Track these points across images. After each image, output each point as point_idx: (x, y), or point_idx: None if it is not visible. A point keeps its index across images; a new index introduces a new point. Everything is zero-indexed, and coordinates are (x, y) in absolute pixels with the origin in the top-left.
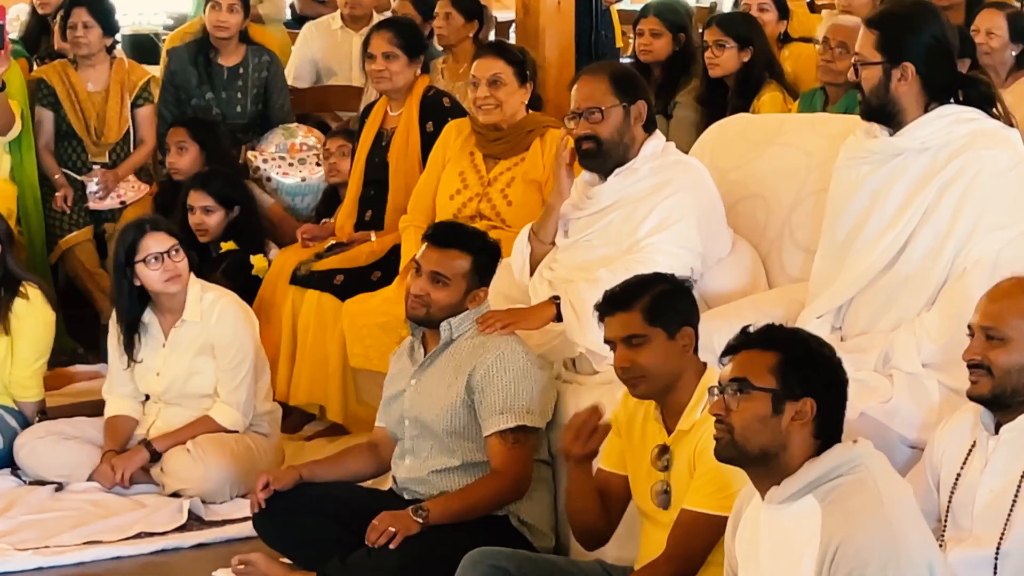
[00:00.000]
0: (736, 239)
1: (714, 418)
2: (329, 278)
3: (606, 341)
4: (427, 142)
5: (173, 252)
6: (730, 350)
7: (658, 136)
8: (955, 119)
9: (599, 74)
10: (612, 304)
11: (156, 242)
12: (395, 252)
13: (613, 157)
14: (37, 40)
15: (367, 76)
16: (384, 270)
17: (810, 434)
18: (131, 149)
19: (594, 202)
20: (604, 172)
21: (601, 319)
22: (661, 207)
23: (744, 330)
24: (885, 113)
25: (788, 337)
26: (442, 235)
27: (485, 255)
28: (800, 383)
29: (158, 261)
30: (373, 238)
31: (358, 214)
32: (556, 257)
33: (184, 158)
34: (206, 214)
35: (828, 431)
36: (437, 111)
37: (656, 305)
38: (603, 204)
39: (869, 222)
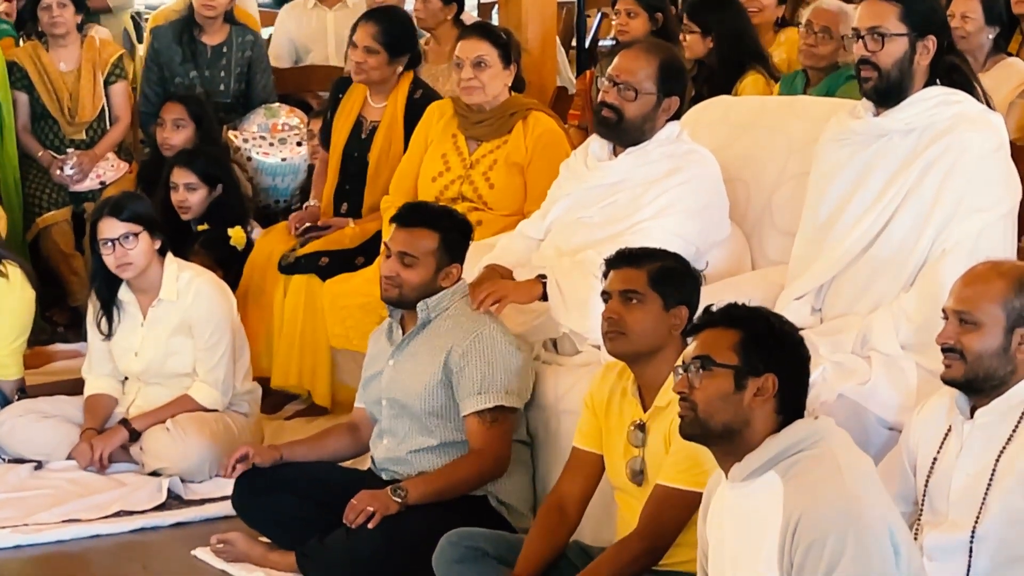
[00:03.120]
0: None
1: (678, 396)
2: (314, 260)
3: (603, 293)
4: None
5: (125, 240)
6: (694, 329)
7: (674, 121)
8: (940, 101)
9: (652, 55)
10: (623, 259)
11: (108, 228)
12: (379, 238)
13: (629, 135)
14: (31, 18)
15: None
16: (367, 255)
17: (773, 410)
18: (107, 126)
19: (602, 175)
20: (614, 144)
21: (607, 272)
22: (667, 195)
23: (707, 309)
24: (900, 88)
25: (750, 315)
26: (408, 215)
27: (454, 232)
28: (762, 359)
29: (109, 247)
30: (351, 223)
31: (334, 206)
32: (549, 235)
33: (180, 135)
34: (189, 191)
35: (791, 407)
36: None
37: (664, 273)
38: (611, 180)
39: (851, 203)
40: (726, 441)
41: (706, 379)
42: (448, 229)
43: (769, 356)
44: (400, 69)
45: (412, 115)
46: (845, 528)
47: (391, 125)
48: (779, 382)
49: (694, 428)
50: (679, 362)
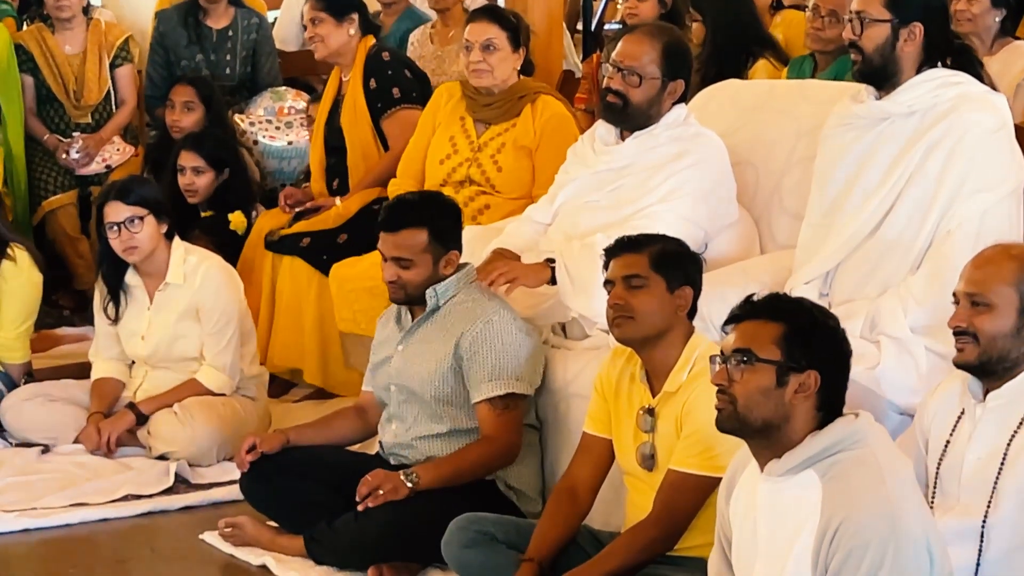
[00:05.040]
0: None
1: (716, 388)
2: (296, 241)
3: (606, 282)
4: (372, 100)
5: (131, 223)
6: (733, 319)
7: (680, 104)
8: (942, 82)
9: (655, 39)
10: (623, 246)
11: (113, 212)
12: (362, 214)
13: (635, 120)
14: (36, 1)
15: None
16: (351, 233)
17: (813, 407)
18: (113, 110)
19: (609, 159)
20: (621, 128)
21: (607, 261)
22: (675, 178)
23: (748, 299)
24: (884, 73)
25: (793, 307)
26: (391, 218)
27: (441, 220)
28: (805, 355)
29: (115, 231)
30: (338, 202)
31: (326, 183)
32: (556, 220)
33: (190, 117)
34: (196, 175)
35: (831, 403)
36: (377, 66)
37: (664, 256)
38: (618, 164)
39: (856, 188)
40: (764, 436)
41: (747, 373)
42: (434, 219)
43: (812, 352)
44: (353, 32)
45: (370, 70)
46: (886, 538)
47: (353, 87)
48: (821, 378)
49: (732, 422)
50: (717, 353)
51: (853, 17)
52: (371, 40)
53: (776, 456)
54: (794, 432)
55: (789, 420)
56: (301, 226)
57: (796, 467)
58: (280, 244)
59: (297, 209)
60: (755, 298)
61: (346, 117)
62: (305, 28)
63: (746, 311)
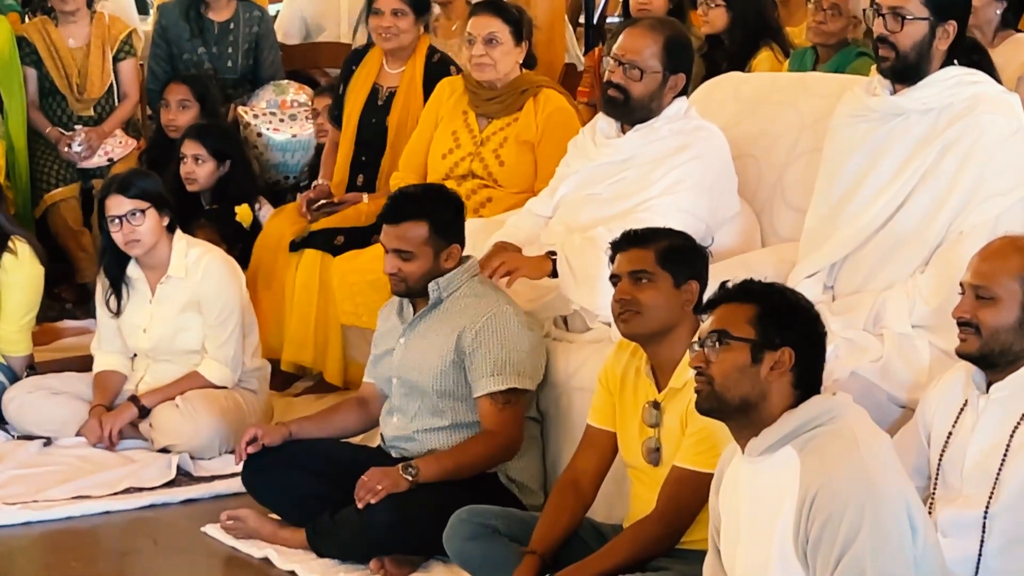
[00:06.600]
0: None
1: (694, 371)
2: (329, 238)
3: (612, 276)
4: None
5: (132, 216)
6: (709, 305)
7: (681, 97)
8: (958, 81)
9: (656, 33)
10: (629, 240)
11: (115, 205)
12: None
13: (636, 114)
14: None
15: (369, 31)
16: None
17: (789, 384)
18: (115, 103)
19: (610, 152)
20: (622, 122)
21: (613, 255)
22: (676, 171)
23: (723, 285)
24: (917, 71)
25: (765, 289)
26: (393, 210)
27: (443, 213)
28: (778, 333)
29: (117, 224)
30: (365, 199)
31: (349, 177)
32: (557, 212)
33: (185, 115)
34: (196, 163)
35: (807, 382)
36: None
37: (671, 251)
38: (619, 157)
39: (866, 181)
40: (743, 415)
41: (723, 353)
42: (435, 212)
43: (785, 330)
44: (422, 31)
45: (430, 80)
46: (862, 503)
47: (409, 89)
48: (796, 356)
49: (711, 402)
50: (695, 338)
51: (887, 13)
52: (428, 39)
53: (755, 436)
54: (772, 410)
55: (766, 398)
56: (332, 222)
57: (774, 444)
58: (311, 240)
59: (323, 207)
60: (729, 284)
61: (396, 116)
62: (374, 12)
63: (720, 296)
